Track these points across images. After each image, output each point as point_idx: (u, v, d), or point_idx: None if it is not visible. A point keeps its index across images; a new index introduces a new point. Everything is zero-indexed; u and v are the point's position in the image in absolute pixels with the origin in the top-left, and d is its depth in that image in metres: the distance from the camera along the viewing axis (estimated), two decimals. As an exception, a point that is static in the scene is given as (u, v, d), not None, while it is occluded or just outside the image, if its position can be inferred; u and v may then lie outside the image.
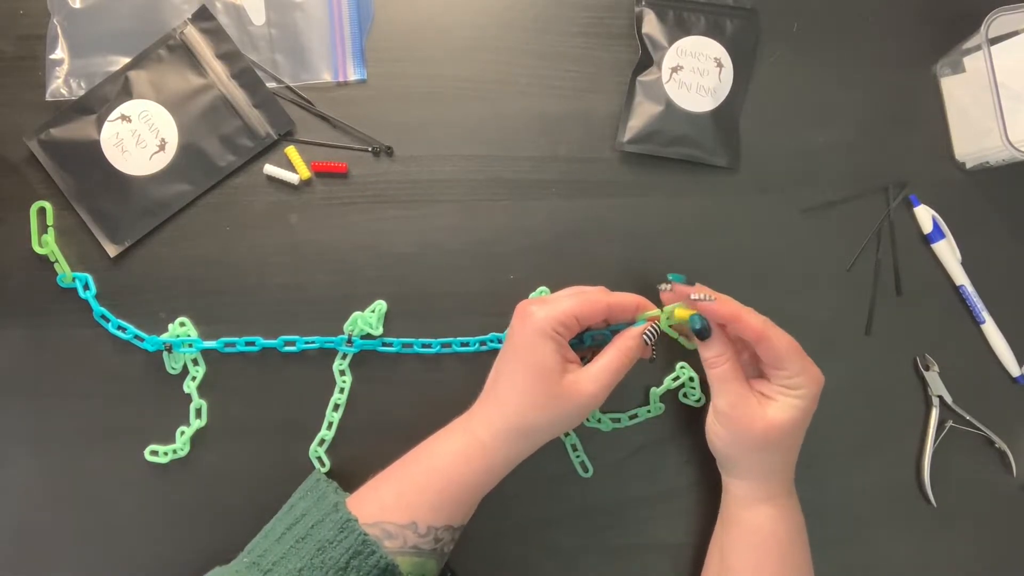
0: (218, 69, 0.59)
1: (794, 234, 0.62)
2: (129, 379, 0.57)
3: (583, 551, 0.58)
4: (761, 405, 0.49)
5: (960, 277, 0.61)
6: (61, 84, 0.59)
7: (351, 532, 0.46)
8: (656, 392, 0.59)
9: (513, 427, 0.49)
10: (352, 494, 0.50)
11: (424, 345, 0.58)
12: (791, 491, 0.53)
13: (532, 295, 0.59)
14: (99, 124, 0.58)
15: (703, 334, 0.50)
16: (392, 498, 0.48)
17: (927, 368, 0.61)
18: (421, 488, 0.48)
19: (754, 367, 0.53)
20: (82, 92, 0.59)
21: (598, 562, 0.58)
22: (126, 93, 0.59)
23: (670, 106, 0.61)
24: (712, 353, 0.50)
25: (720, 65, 0.62)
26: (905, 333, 0.61)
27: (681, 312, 0.51)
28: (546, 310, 0.49)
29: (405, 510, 0.47)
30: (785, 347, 0.49)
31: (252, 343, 0.57)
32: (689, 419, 0.59)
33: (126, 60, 0.59)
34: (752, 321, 0.49)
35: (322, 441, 0.58)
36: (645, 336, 0.51)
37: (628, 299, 0.52)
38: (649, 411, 0.59)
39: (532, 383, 0.49)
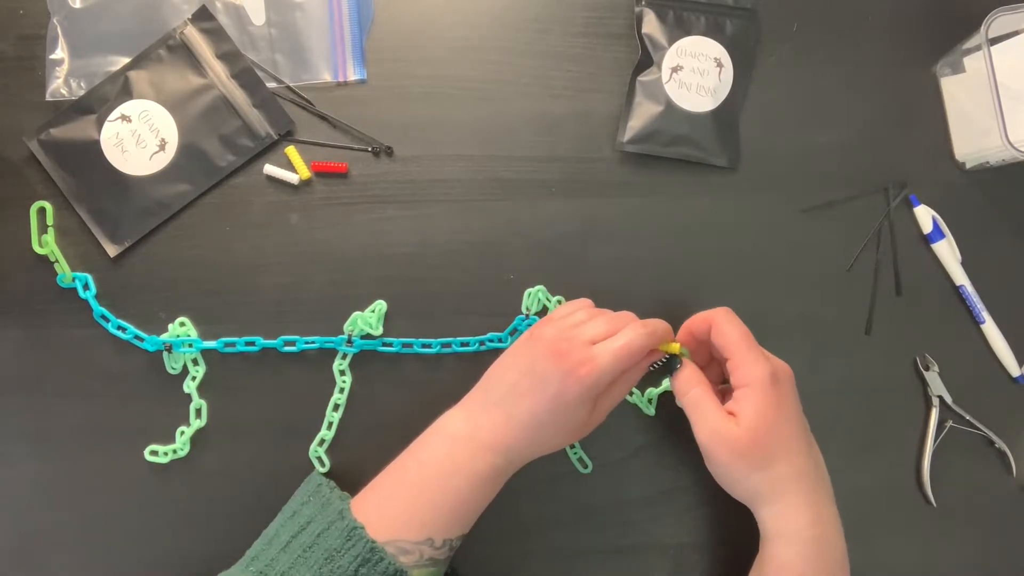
0: (218, 69, 0.59)
1: (794, 234, 0.62)
2: (129, 379, 0.57)
3: (583, 551, 0.58)
4: (732, 423, 0.48)
5: (960, 277, 0.61)
6: (61, 84, 0.59)
7: (358, 540, 0.46)
8: (653, 392, 0.59)
9: (533, 455, 0.51)
10: (356, 497, 0.50)
11: (424, 345, 0.58)
12: (817, 520, 0.49)
13: (528, 291, 0.59)
14: (99, 124, 0.58)
15: (674, 371, 0.52)
16: (405, 515, 0.47)
17: (927, 368, 0.61)
18: (436, 506, 0.48)
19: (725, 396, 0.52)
20: (82, 92, 0.59)
21: (598, 562, 0.58)
22: (126, 93, 0.59)
23: (670, 106, 0.61)
24: (683, 382, 0.51)
25: (720, 65, 0.62)
26: (905, 333, 0.61)
27: (676, 347, 0.52)
28: (595, 378, 0.47)
29: (419, 528, 0.47)
30: (734, 336, 0.49)
31: (252, 343, 0.57)
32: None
33: (126, 60, 0.59)
34: (707, 312, 0.51)
35: (322, 441, 0.58)
36: (652, 367, 0.53)
37: (661, 331, 0.51)
38: (643, 409, 0.59)
39: (565, 431, 0.50)
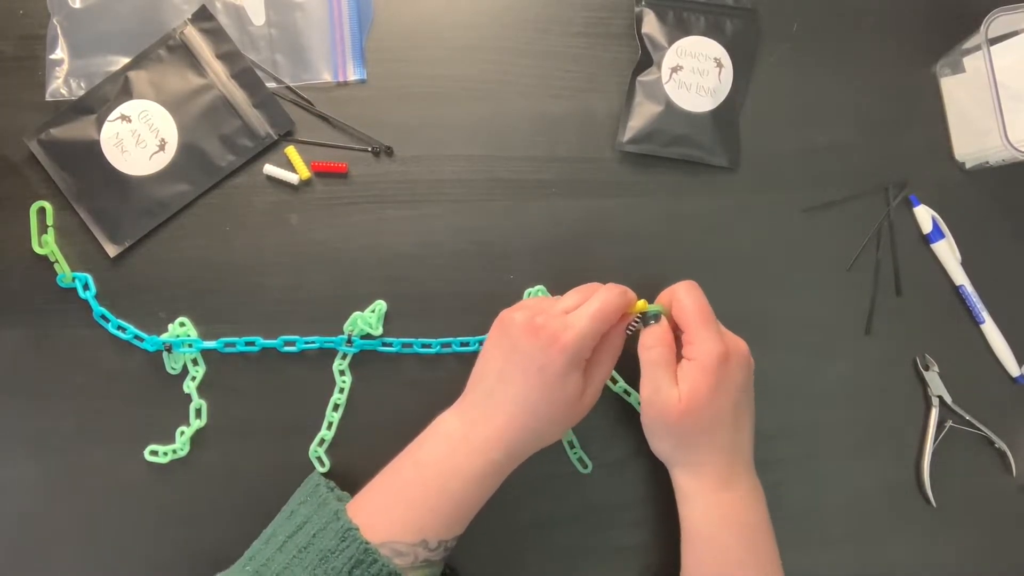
0: (218, 69, 0.59)
1: (794, 234, 0.62)
2: (129, 379, 0.57)
3: (583, 551, 0.58)
4: (674, 390, 0.49)
5: (960, 277, 0.62)
6: (61, 84, 0.59)
7: (352, 541, 0.46)
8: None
9: (531, 448, 0.50)
10: (353, 499, 0.50)
11: (424, 345, 0.58)
12: (727, 484, 0.50)
13: (528, 291, 0.59)
14: (99, 124, 0.58)
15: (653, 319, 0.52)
16: (400, 517, 0.47)
17: (927, 368, 0.61)
18: (432, 508, 0.48)
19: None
20: (82, 92, 0.59)
21: (598, 562, 0.58)
22: (126, 93, 0.59)
23: (670, 106, 0.61)
24: (650, 337, 0.51)
25: (720, 65, 0.62)
26: (905, 333, 0.61)
27: (643, 304, 0.52)
28: (577, 343, 0.48)
29: (415, 530, 0.47)
30: (691, 309, 0.50)
31: (252, 343, 0.57)
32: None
33: (126, 60, 0.59)
34: (671, 286, 0.52)
35: (322, 441, 0.58)
36: (628, 329, 0.53)
37: (630, 292, 0.52)
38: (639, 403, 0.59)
39: (560, 411, 0.49)
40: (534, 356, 0.48)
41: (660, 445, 0.52)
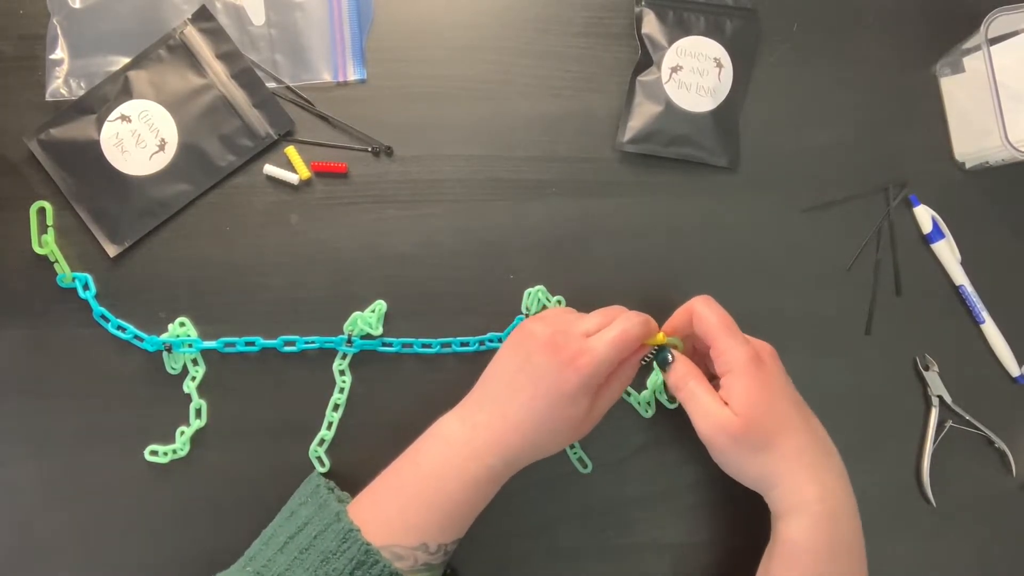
0: (218, 69, 0.59)
1: (794, 234, 0.62)
2: (129, 379, 0.57)
3: (583, 551, 0.58)
4: (726, 410, 0.48)
5: (960, 277, 0.62)
6: (61, 84, 0.59)
7: (354, 543, 0.46)
8: (648, 395, 0.59)
9: (528, 458, 0.50)
10: (353, 500, 0.50)
11: (424, 345, 0.58)
12: (824, 496, 0.48)
13: (528, 291, 0.59)
14: (99, 124, 0.58)
15: (664, 363, 0.51)
16: (399, 520, 0.47)
17: (927, 368, 0.61)
18: (430, 510, 0.48)
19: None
20: (82, 92, 0.59)
21: (598, 562, 0.58)
22: (126, 93, 0.59)
23: (670, 106, 0.61)
24: (675, 377, 0.50)
25: (720, 65, 0.62)
26: (905, 333, 0.61)
27: (662, 337, 0.52)
28: (593, 368, 0.47)
29: (414, 532, 0.47)
30: (714, 321, 0.49)
31: (252, 343, 0.57)
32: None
33: (126, 60, 0.59)
34: (687, 303, 0.51)
35: (322, 441, 0.58)
36: (642, 361, 0.53)
37: (653, 322, 0.51)
38: (639, 403, 0.59)
39: (562, 427, 0.49)
40: (547, 373, 0.48)
41: (746, 470, 0.49)
